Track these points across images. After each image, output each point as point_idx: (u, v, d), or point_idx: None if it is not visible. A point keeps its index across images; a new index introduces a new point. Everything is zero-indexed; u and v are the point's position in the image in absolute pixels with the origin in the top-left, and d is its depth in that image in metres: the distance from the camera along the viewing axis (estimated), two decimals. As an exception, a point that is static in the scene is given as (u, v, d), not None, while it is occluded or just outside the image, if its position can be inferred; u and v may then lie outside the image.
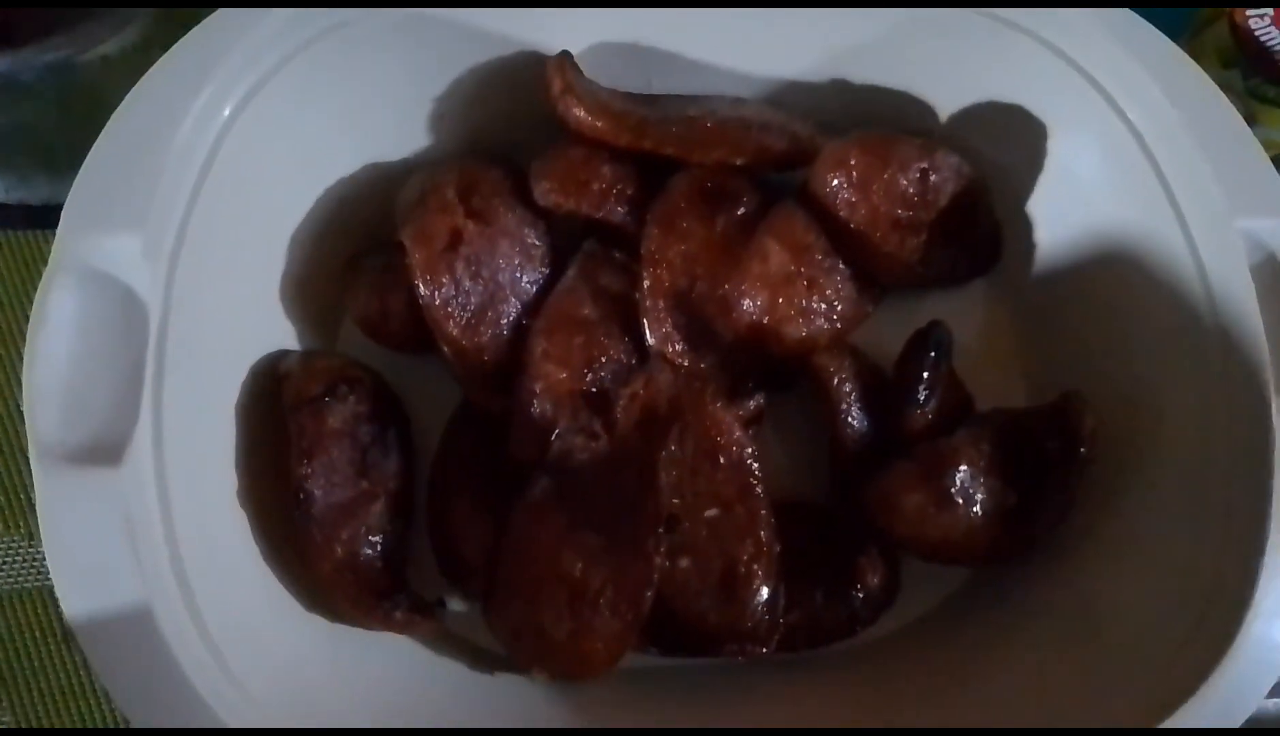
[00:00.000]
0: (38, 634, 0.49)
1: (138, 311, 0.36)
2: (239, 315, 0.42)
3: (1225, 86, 0.42)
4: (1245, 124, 0.41)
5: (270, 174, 0.42)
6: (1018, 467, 0.42)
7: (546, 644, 0.40)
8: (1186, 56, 0.42)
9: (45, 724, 0.49)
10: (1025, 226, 0.48)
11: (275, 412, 0.42)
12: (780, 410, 0.46)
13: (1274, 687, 0.36)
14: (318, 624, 0.41)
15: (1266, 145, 0.41)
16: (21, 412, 0.36)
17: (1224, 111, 0.41)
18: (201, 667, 0.34)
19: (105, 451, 0.35)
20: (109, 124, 0.38)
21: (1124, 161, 0.42)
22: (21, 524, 0.50)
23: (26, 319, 0.49)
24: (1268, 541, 0.36)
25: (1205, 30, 0.49)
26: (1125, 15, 0.42)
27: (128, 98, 0.38)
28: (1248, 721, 0.36)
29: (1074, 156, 0.45)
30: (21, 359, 0.35)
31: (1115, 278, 0.45)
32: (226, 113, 0.39)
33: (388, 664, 0.42)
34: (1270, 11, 0.46)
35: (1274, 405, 0.37)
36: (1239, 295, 0.39)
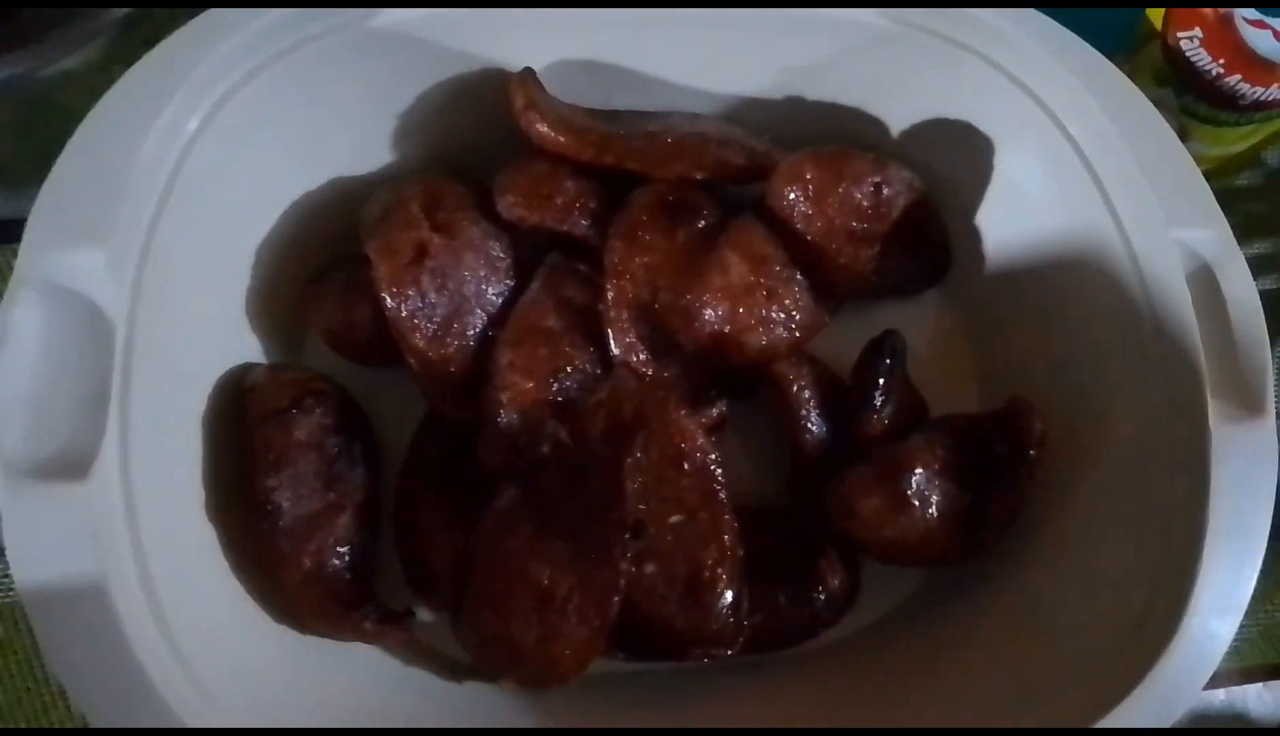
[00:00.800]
0: (5, 650, 0.48)
1: (103, 326, 0.36)
2: (204, 329, 0.42)
3: (1159, 104, 0.43)
4: (1178, 139, 0.43)
5: (235, 188, 0.42)
6: (971, 471, 0.43)
7: (515, 652, 0.40)
8: (1123, 75, 0.43)
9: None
10: (974, 237, 0.50)
11: (241, 426, 0.42)
12: (742, 417, 0.47)
13: (1212, 679, 0.37)
14: (287, 635, 0.41)
15: (1198, 159, 0.43)
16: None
17: (1158, 127, 0.43)
18: (171, 680, 0.34)
19: (71, 466, 0.34)
20: (73, 138, 0.38)
21: (1066, 174, 0.44)
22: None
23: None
24: (1204, 539, 0.38)
25: (1140, 50, 0.51)
26: (1066, 36, 0.44)
27: (93, 112, 0.38)
28: (1194, 719, 0.37)
29: (1019, 169, 0.46)
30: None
31: (1060, 286, 0.46)
32: (193, 127, 0.39)
33: (356, 674, 0.42)
34: (1199, 33, 0.48)
35: (1209, 406, 0.39)
36: (1176, 302, 0.41)
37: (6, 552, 0.33)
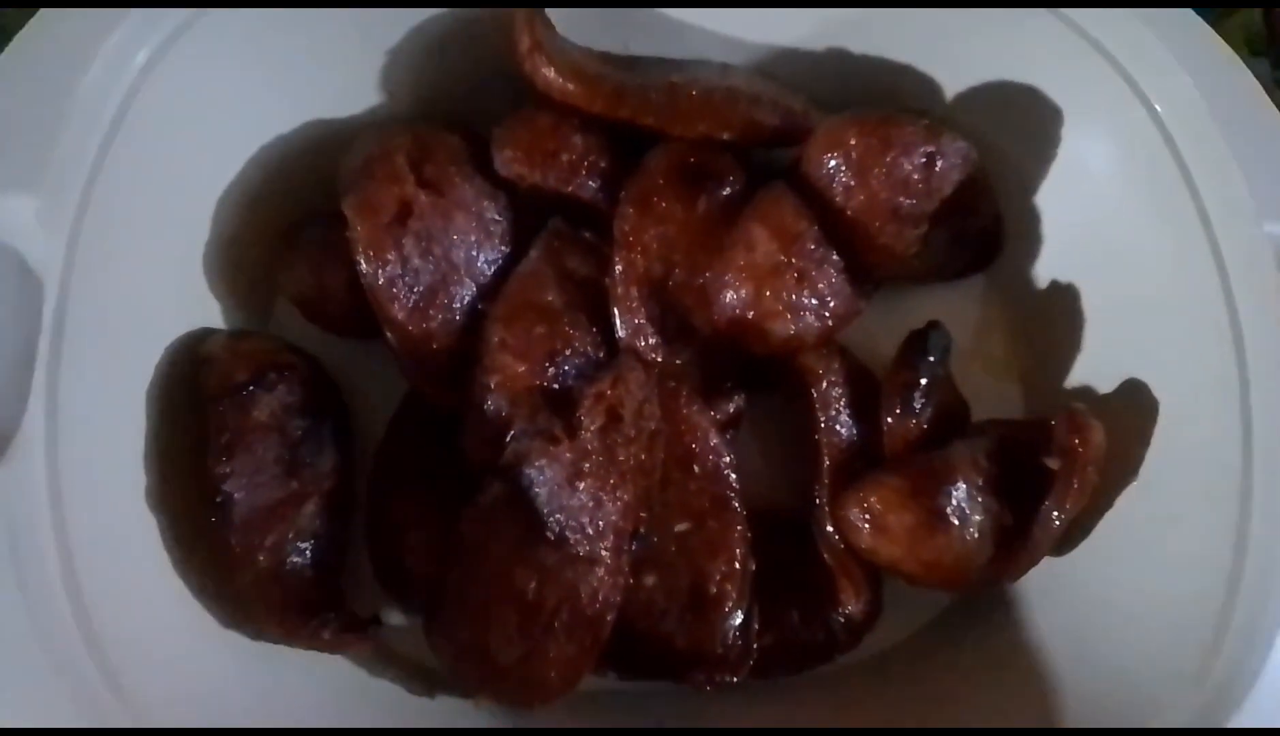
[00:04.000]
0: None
1: (30, 283, 0.34)
2: (156, 290, 0.40)
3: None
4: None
5: (196, 131, 0.40)
6: (1016, 485, 0.40)
7: (494, 667, 0.38)
8: (1220, 40, 0.39)
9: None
10: (1030, 220, 0.47)
11: (196, 402, 0.39)
12: (761, 413, 0.45)
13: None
14: (236, 642, 0.38)
15: None
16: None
17: (1258, 104, 0.39)
18: (94, 696, 0.32)
19: None
20: None
21: (1144, 154, 0.40)
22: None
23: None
24: None
25: (1232, 14, 0.46)
26: None
27: (22, 33, 0.35)
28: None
29: (1089, 146, 0.43)
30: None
31: (1128, 280, 0.43)
32: (143, 57, 0.37)
33: (316, 687, 0.40)
34: (1307, -4, 0.43)
35: None
36: (1264, 305, 0.37)
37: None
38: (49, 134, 0.34)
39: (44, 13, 0.35)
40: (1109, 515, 0.41)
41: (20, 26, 0.35)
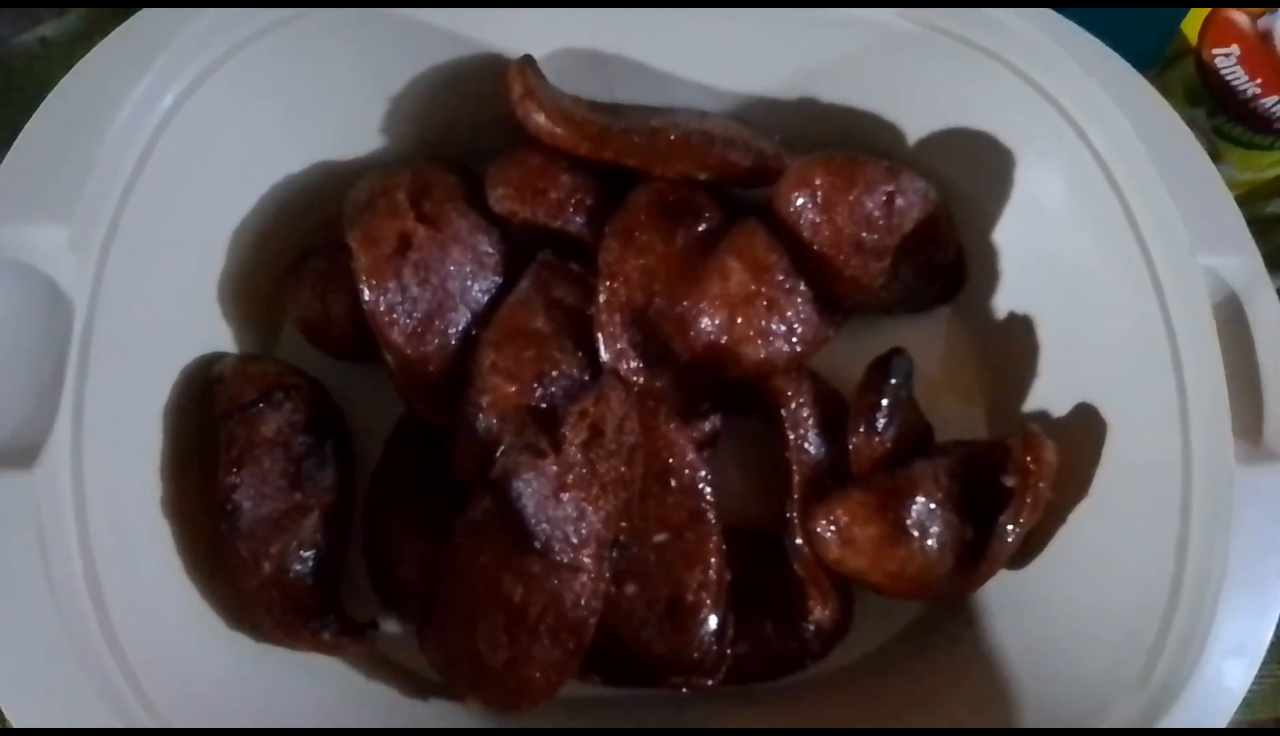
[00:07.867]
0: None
1: (61, 306, 0.35)
2: (173, 314, 0.41)
3: (1190, 124, 0.42)
4: (1210, 161, 0.40)
5: (213, 168, 0.41)
6: (975, 501, 0.41)
7: (482, 671, 0.39)
8: (1155, 91, 0.41)
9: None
10: (990, 254, 0.48)
11: (207, 419, 0.41)
12: (736, 433, 0.45)
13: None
14: (241, 643, 0.39)
15: (1228, 184, 0.40)
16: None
17: (1190, 148, 0.41)
18: (112, 687, 0.33)
19: (18, 453, 0.33)
20: (41, 107, 0.37)
21: (1090, 193, 0.42)
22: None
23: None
24: (1220, 584, 0.35)
25: (1172, 67, 0.49)
26: (1096, 46, 0.42)
27: (63, 81, 0.37)
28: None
29: (1040, 186, 0.45)
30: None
31: (1079, 309, 0.44)
32: (168, 101, 0.39)
33: (315, 687, 0.41)
34: (1236, 50, 0.45)
35: (1232, 444, 0.37)
36: (1200, 333, 0.38)
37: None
38: (82, 170, 0.35)
39: (81, 63, 0.37)
40: (1062, 530, 0.42)
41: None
